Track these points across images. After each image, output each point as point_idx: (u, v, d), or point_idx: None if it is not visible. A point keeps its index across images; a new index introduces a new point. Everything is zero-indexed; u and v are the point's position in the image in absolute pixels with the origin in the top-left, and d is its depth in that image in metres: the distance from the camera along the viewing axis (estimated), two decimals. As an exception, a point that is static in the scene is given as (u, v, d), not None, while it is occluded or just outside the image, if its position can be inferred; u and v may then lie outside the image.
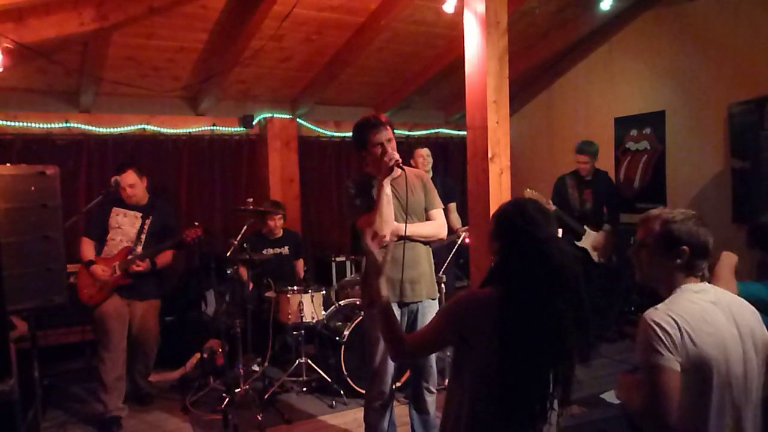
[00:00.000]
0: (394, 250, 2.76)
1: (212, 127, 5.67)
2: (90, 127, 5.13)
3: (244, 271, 4.52)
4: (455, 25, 3.82)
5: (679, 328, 1.63)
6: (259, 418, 3.64)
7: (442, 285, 4.07)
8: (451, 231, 4.47)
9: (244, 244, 4.10)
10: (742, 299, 1.83)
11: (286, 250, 4.90)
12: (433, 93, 6.38)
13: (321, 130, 6.20)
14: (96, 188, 4.94)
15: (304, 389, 4.20)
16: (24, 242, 2.62)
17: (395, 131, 2.89)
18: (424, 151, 4.77)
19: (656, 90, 5.36)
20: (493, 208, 3.17)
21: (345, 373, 3.92)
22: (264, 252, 4.68)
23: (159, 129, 5.42)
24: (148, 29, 4.26)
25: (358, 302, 4.35)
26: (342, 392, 3.98)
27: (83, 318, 4.05)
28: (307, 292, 4.15)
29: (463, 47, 3.37)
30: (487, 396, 1.64)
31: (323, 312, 4.25)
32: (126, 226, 3.88)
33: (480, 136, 3.29)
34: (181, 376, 4.49)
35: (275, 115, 5.83)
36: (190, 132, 5.56)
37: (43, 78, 4.73)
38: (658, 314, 1.67)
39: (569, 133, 6.03)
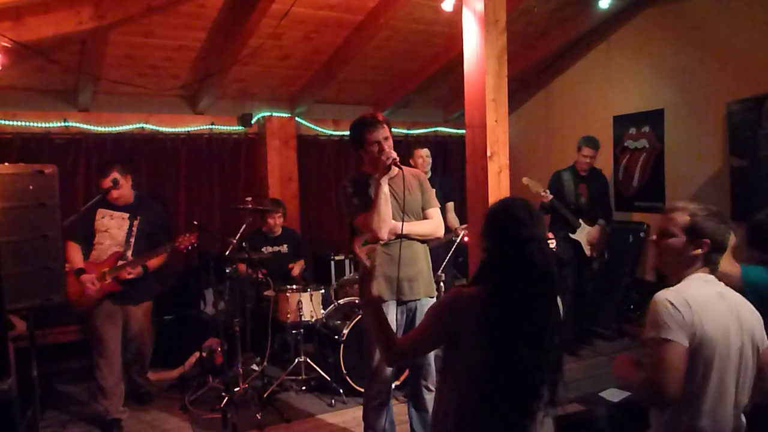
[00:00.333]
0: (392, 249, 2.76)
1: (211, 126, 5.67)
2: (88, 126, 5.12)
3: (243, 269, 4.52)
4: (454, 23, 3.81)
5: (690, 308, 1.74)
6: (258, 417, 3.64)
7: (441, 283, 4.07)
8: (450, 230, 4.48)
9: (243, 243, 4.10)
10: (746, 301, 1.90)
11: (285, 248, 4.90)
12: (431, 91, 6.38)
13: (320, 129, 6.20)
14: (95, 187, 4.92)
15: (303, 388, 4.21)
16: (22, 241, 2.62)
17: (393, 130, 2.89)
18: (424, 152, 4.75)
19: (655, 88, 5.36)
20: (492, 207, 3.19)
21: (344, 371, 3.93)
22: (263, 250, 4.68)
23: (157, 128, 5.41)
24: (146, 28, 4.26)
25: (357, 301, 4.35)
26: (341, 391, 3.98)
27: (81, 317, 3.98)
28: (306, 291, 4.15)
29: (462, 46, 3.37)
30: (474, 395, 1.65)
31: (322, 311, 4.25)
32: (114, 229, 3.72)
33: (479, 134, 3.29)
34: (180, 375, 4.50)
35: (274, 114, 5.83)
36: (188, 131, 5.56)
37: (42, 77, 4.72)
38: (671, 294, 1.78)
39: (568, 132, 6.03)
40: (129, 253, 3.71)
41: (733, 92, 4.60)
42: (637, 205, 5.60)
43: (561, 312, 1.75)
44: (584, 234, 4.90)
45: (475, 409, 1.65)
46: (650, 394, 1.75)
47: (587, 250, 4.91)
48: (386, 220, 2.74)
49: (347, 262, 5.55)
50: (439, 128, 6.90)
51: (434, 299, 2.98)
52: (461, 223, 4.67)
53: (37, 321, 3.14)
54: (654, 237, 1.95)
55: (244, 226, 4.22)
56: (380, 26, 4.69)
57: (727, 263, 2.22)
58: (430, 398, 2.95)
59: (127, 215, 3.76)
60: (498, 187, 3.28)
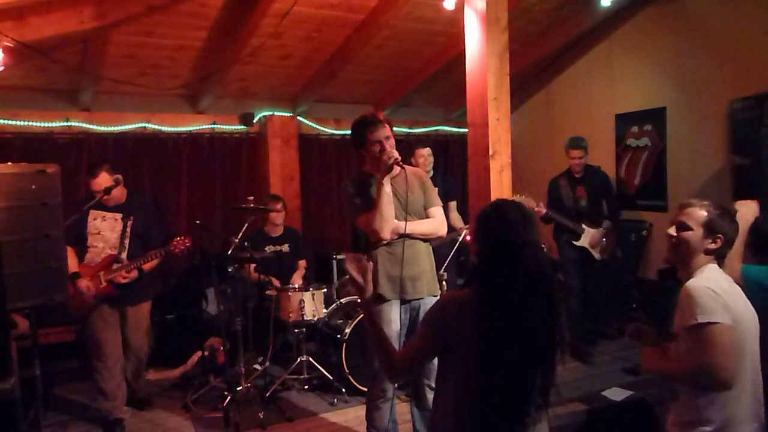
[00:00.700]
0: (395, 248, 2.76)
1: (212, 125, 5.67)
2: (90, 126, 5.13)
3: (246, 267, 4.52)
4: (455, 22, 3.81)
5: (726, 292, 1.87)
6: (261, 416, 3.65)
7: (443, 282, 4.07)
8: (452, 229, 4.47)
9: (245, 242, 4.10)
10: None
11: (286, 247, 4.90)
12: (433, 90, 6.37)
13: (321, 128, 6.20)
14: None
15: (306, 387, 4.21)
16: (24, 240, 2.61)
17: (395, 129, 2.89)
18: (426, 151, 4.73)
19: (657, 86, 5.36)
20: (495, 206, 3.18)
21: (346, 370, 3.93)
22: (265, 249, 4.69)
23: (159, 127, 5.42)
24: (147, 27, 4.25)
25: (359, 300, 4.35)
26: (343, 390, 3.98)
27: (79, 319, 3.93)
28: (308, 290, 4.15)
29: (463, 44, 3.37)
30: (471, 400, 1.64)
31: (324, 310, 4.26)
32: (106, 231, 3.66)
33: (480, 133, 3.29)
34: (182, 374, 4.50)
35: (275, 113, 5.82)
36: (190, 130, 5.56)
37: (43, 76, 4.72)
38: (704, 281, 1.89)
39: (570, 130, 5.99)
40: (123, 256, 3.65)
41: (735, 90, 4.59)
42: (639, 204, 5.59)
43: (560, 315, 1.70)
44: (588, 238, 4.72)
45: (471, 417, 1.64)
46: (709, 379, 1.81)
47: (595, 254, 4.74)
48: (388, 220, 2.74)
49: (349, 261, 5.53)
50: (440, 127, 6.89)
51: (437, 298, 2.98)
52: (464, 222, 4.66)
53: (39, 320, 3.14)
54: (672, 230, 2.03)
55: (246, 225, 4.22)
56: (381, 25, 4.69)
57: (736, 261, 2.25)
58: (432, 397, 2.95)
59: (120, 216, 3.70)
60: (500, 186, 3.28)
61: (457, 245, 4.32)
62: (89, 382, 3.85)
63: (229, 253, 3.98)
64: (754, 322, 1.91)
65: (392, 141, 2.83)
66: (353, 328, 3.97)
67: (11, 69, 4.08)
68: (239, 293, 4.31)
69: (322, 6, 4.38)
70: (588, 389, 4.00)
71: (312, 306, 4.13)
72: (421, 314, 2.86)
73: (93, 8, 3.75)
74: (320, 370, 4.17)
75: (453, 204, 4.87)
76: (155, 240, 3.79)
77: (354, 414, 3.74)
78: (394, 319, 2.79)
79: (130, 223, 3.70)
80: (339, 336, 4.01)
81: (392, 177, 2.79)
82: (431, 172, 4.72)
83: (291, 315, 4.10)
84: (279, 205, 4.83)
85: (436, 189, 3.12)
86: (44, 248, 2.67)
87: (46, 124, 4.96)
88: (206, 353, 4.38)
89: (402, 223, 2.75)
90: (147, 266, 3.69)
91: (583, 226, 4.72)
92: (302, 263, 5.02)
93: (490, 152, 3.24)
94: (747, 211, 2.34)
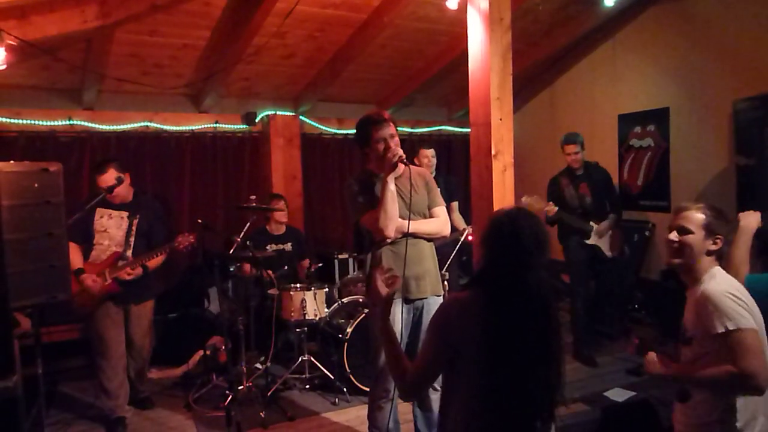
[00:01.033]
0: (398, 247, 2.76)
1: (215, 125, 5.67)
2: (93, 125, 5.13)
3: (248, 267, 4.52)
4: (458, 21, 3.81)
5: (743, 295, 1.90)
6: (262, 416, 3.64)
7: (445, 282, 4.06)
8: (454, 229, 4.46)
9: (247, 242, 4.10)
10: None
11: (288, 246, 4.90)
12: (436, 90, 6.37)
13: (324, 128, 6.20)
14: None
15: (307, 386, 4.21)
16: (27, 239, 2.62)
17: (398, 128, 2.88)
18: (429, 152, 4.71)
19: (660, 87, 5.34)
20: (497, 206, 3.18)
21: (348, 370, 3.93)
22: (267, 248, 4.69)
23: (162, 126, 5.42)
24: (150, 26, 4.26)
25: (360, 299, 4.35)
26: (345, 389, 3.98)
27: (83, 317, 3.94)
28: (309, 290, 4.15)
29: (466, 44, 3.36)
30: (478, 407, 1.63)
31: (326, 309, 4.25)
32: (112, 229, 3.67)
33: (483, 133, 3.28)
34: (183, 373, 4.50)
35: (278, 113, 5.82)
36: (193, 129, 5.56)
37: (47, 75, 4.73)
38: (721, 285, 1.92)
39: (573, 130, 6.00)
40: (129, 253, 3.67)
41: (739, 90, 4.58)
42: (642, 204, 5.58)
43: (560, 340, 1.71)
44: (597, 234, 4.65)
45: (478, 424, 1.64)
46: (747, 384, 1.81)
47: (606, 251, 4.68)
48: (393, 218, 2.74)
49: (351, 260, 5.55)
50: (443, 127, 6.89)
51: (440, 298, 2.98)
52: (466, 223, 4.65)
53: (41, 319, 3.14)
54: (672, 235, 2.04)
55: (248, 224, 4.22)
56: (384, 25, 4.68)
57: (743, 266, 2.28)
58: (435, 398, 2.94)
59: (126, 214, 3.71)
60: (503, 186, 3.27)
61: (459, 245, 4.32)
62: (92, 381, 3.85)
63: (231, 252, 3.98)
64: (763, 324, 1.92)
65: (397, 139, 2.82)
66: (355, 328, 3.97)
67: (14, 68, 4.09)
68: (241, 292, 4.31)
69: (325, 5, 4.38)
70: (590, 390, 3.99)
71: (314, 305, 4.13)
72: (425, 314, 2.87)
73: (96, 7, 3.75)
74: (322, 370, 4.17)
75: (455, 204, 4.86)
76: (159, 239, 3.80)
77: (355, 414, 3.74)
78: (396, 318, 2.79)
79: (136, 221, 3.71)
80: (341, 335, 4.00)
81: (397, 176, 2.79)
82: (434, 173, 4.72)
83: (293, 314, 4.10)
84: (281, 204, 4.84)
85: (439, 189, 3.12)
86: (47, 247, 2.68)
87: (49, 123, 4.97)
88: (208, 352, 4.38)
89: (406, 222, 2.75)
90: (152, 263, 3.71)
91: (591, 223, 4.66)
92: (305, 262, 5.02)
93: (493, 152, 3.23)
94: (752, 220, 2.39)
